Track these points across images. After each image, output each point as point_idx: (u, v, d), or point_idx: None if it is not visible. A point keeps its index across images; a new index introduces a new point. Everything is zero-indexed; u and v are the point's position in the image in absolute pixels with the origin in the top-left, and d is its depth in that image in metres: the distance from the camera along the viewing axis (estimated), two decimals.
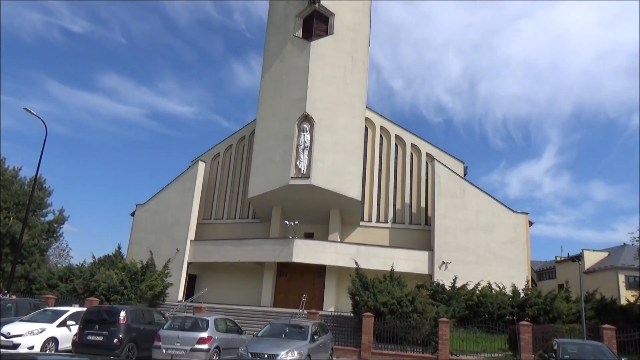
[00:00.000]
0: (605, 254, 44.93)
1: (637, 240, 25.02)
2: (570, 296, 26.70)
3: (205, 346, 14.87)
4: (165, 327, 15.92)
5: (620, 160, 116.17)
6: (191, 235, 34.69)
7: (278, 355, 13.36)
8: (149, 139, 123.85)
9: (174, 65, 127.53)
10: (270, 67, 35.18)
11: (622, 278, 39.74)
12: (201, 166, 36.94)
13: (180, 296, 32.61)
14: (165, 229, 35.32)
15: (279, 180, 32.00)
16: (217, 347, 15.41)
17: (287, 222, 31.55)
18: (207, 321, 15.72)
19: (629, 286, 38.80)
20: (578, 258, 26.26)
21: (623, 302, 31.61)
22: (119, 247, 33.30)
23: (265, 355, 13.46)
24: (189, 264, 34.08)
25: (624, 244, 41.35)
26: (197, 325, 15.61)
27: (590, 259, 44.09)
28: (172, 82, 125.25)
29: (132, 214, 38.13)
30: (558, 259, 50.31)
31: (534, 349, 18.82)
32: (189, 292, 34.18)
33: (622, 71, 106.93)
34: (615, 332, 19.64)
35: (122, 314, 15.59)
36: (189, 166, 38.27)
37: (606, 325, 20.04)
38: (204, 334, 15.13)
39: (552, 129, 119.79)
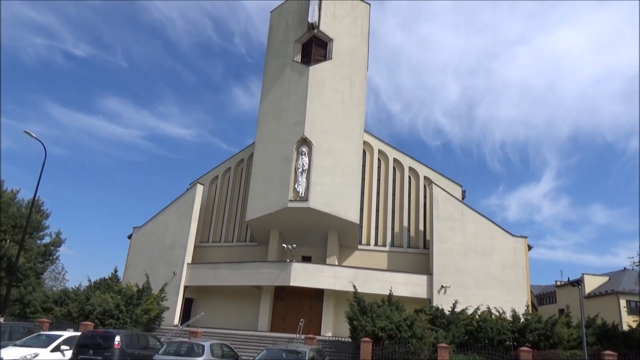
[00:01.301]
0: (605, 279, 44.63)
1: (637, 265, 24.90)
2: (571, 321, 26.38)
3: None
4: (160, 352, 15.71)
5: (619, 183, 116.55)
6: (188, 258, 34.47)
7: None
8: (148, 161, 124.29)
9: (175, 89, 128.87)
10: (270, 91, 35.57)
11: (623, 303, 39.36)
12: (199, 189, 36.95)
13: (176, 320, 32.20)
14: (162, 252, 35.10)
15: (277, 203, 31.97)
16: None
17: (285, 245, 31.42)
18: (203, 346, 15.51)
19: (631, 311, 38.41)
20: (578, 282, 26.03)
21: (625, 327, 31.26)
22: (116, 270, 33.03)
23: None
24: (186, 287, 33.76)
25: (625, 268, 41.13)
26: (192, 351, 15.40)
27: (591, 283, 43.79)
28: (172, 105, 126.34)
29: (129, 237, 37.95)
30: (558, 283, 49.96)
31: None
32: (185, 316, 33.75)
33: (619, 95, 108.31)
34: (617, 358, 19.42)
35: (117, 338, 15.40)
36: (187, 189, 38.27)
37: (608, 352, 19.83)
38: None
39: (550, 152, 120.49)
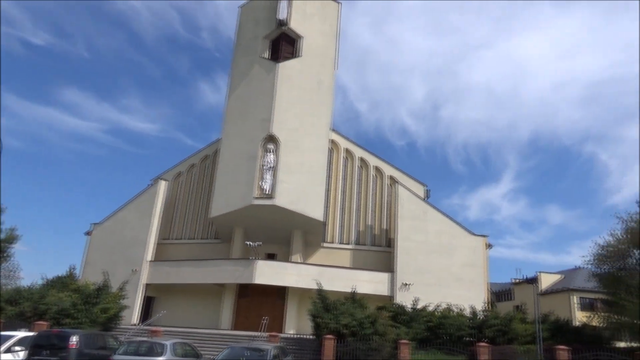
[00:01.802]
0: (559, 277, 46.40)
1: (590, 264, 25.97)
2: (526, 317, 27.32)
3: None
4: (119, 352, 15.32)
5: (574, 186, 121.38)
6: (149, 255, 33.77)
7: None
8: (109, 155, 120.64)
9: (138, 82, 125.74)
10: (237, 87, 35.22)
11: (575, 299, 41.08)
12: (162, 185, 36.23)
13: (136, 319, 31.50)
14: (122, 249, 34.22)
15: (242, 200, 31.72)
16: None
17: (249, 243, 31.21)
18: (164, 345, 15.24)
19: (582, 307, 40.10)
20: (534, 280, 26.98)
21: (576, 323, 32.61)
22: (73, 268, 32.01)
23: None
24: (146, 285, 33.06)
25: (578, 266, 42.83)
26: (153, 350, 15.10)
27: (546, 281, 45.39)
28: (136, 99, 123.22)
29: (88, 233, 36.82)
30: (515, 281, 51.48)
31: None
32: (145, 315, 33.08)
33: (576, 101, 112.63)
34: (569, 352, 20.23)
35: (74, 338, 14.97)
36: (150, 185, 37.47)
37: (560, 346, 20.62)
38: (161, 359, 14.62)
39: (510, 154, 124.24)
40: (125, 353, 15.17)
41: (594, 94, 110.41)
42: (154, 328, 25.31)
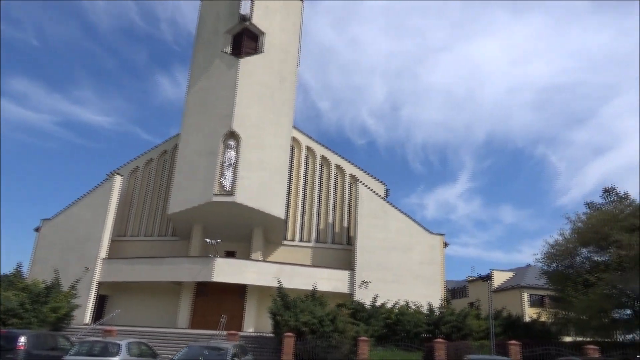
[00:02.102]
0: (511, 274, 48.22)
1: (540, 262, 27.10)
2: (480, 314, 28.24)
3: None
4: (71, 352, 14.77)
5: (526, 186, 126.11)
6: (103, 253, 32.66)
7: None
8: (60, 148, 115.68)
9: (92, 73, 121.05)
10: (197, 82, 34.56)
11: (526, 296, 42.86)
12: (118, 180, 35.12)
13: (88, 319, 30.44)
14: (74, 247, 32.93)
15: (201, 197, 31.19)
16: None
17: (208, 240, 30.76)
18: (119, 345, 14.78)
19: (532, 304, 41.93)
20: (488, 278, 27.86)
21: (527, 319, 33.98)
22: (19, 266, 30.56)
23: None
24: (100, 283, 31.99)
25: (528, 264, 44.63)
26: (107, 350, 14.62)
27: (499, 278, 47.10)
28: (89, 90, 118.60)
29: (37, 230, 35.25)
30: (470, 278, 53.08)
31: None
32: (99, 314, 32.01)
33: (529, 105, 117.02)
34: (520, 347, 21.05)
35: (22, 339, 14.34)
36: (104, 180, 36.26)
37: (512, 342, 21.42)
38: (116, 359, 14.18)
39: (466, 155, 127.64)
40: (78, 354, 14.62)
41: (545, 99, 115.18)
42: (108, 327, 24.51)
